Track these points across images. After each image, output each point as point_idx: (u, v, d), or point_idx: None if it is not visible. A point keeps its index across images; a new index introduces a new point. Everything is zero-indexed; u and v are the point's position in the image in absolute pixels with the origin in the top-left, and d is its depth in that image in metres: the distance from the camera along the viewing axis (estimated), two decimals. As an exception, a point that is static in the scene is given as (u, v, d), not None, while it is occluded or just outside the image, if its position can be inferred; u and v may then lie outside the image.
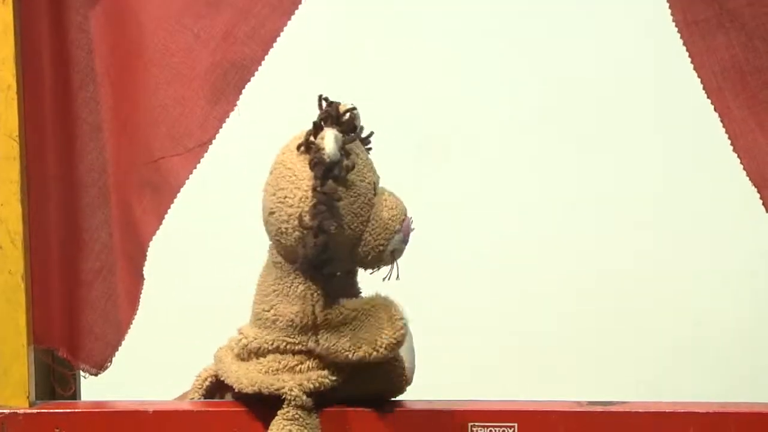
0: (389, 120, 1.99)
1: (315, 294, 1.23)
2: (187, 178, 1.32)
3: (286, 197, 1.21)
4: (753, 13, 1.25)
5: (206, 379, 1.32)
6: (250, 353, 1.26)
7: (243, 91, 1.32)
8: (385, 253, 1.23)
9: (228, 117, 1.32)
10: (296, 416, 1.22)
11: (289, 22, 1.31)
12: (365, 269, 1.26)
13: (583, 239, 2.07)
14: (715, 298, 2.07)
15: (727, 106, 1.28)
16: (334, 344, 1.22)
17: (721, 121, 1.28)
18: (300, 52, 1.87)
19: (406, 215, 1.25)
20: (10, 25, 1.30)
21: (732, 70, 1.27)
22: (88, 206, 1.38)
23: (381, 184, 1.26)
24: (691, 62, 1.28)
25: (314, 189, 1.19)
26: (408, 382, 1.28)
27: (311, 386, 1.22)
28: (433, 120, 2.07)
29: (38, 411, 1.30)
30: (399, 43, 2.05)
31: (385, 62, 2.05)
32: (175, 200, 1.33)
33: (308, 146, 1.21)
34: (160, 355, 1.98)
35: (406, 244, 1.25)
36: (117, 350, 1.39)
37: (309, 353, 1.24)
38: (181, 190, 1.32)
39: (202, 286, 2.00)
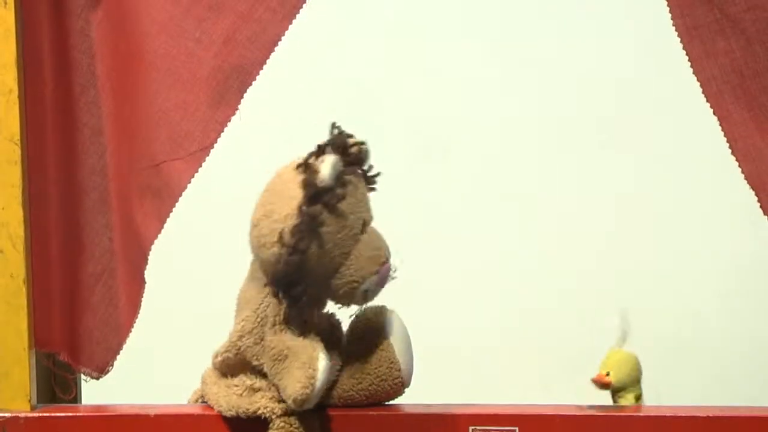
0: (390, 123, 2.00)
1: (277, 316, 1.22)
2: (189, 182, 1.32)
3: (273, 211, 1.20)
4: (753, 18, 1.26)
5: (196, 402, 1.33)
6: (228, 367, 1.26)
7: (244, 95, 1.32)
8: (358, 291, 1.22)
9: (229, 121, 1.32)
10: (283, 425, 1.22)
11: (290, 26, 1.31)
12: (335, 303, 1.25)
13: (584, 241, 2.07)
14: (713, 300, 2.07)
15: (727, 110, 1.28)
16: (272, 377, 1.22)
17: (721, 125, 1.28)
18: (301, 57, 1.86)
19: (388, 260, 1.23)
20: (12, 29, 1.30)
21: (732, 75, 1.27)
22: (89, 210, 1.38)
23: (379, 187, 1.25)
24: (691, 66, 1.28)
25: (300, 208, 1.18)
26: (405, 384, 1.28)
27: None
28: (434, 123, 2.07)
29: (39, 415, 1.31)
30: (400, 46, 2.05)
31: (386, 65, 2.05)
32: (177, 204, 1.33)
33: (306, 166, 1.20)
34: (161, 359, 1.98)
35: (381, 287, 1.23)
36: (118, 354, 1.40)
37: None
38: (183, 194, 1.33)
39: (204, 290, 2.00)
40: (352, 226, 1.21)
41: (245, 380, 1.25)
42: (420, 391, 1.29)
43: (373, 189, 1.25)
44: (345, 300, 1.24)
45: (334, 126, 1.23)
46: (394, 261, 1.24)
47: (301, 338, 1.22)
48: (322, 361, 1.20)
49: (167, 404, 1.32)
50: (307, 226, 1.18)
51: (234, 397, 1.24)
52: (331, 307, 1.28)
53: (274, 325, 1.22)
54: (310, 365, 1.19)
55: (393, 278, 1.24)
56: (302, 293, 1.20)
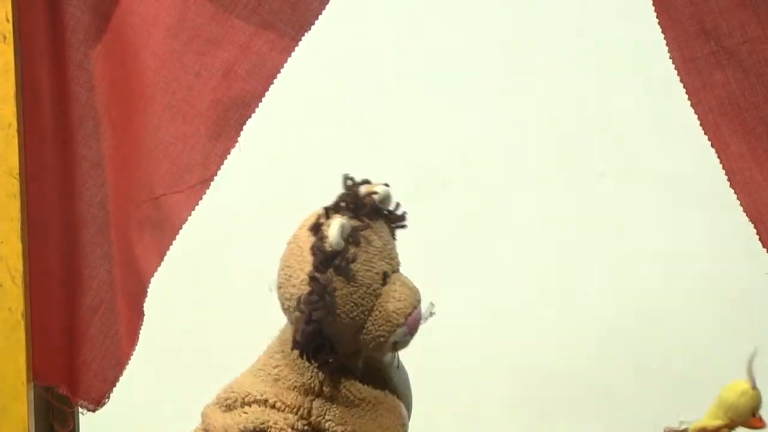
0: (389, 154, 2.00)
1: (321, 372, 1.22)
2: (189, 215, 1.32)
3: (290, 276, 1.19)
4: (749, 50, 1.26)
5: None
6: (239, 402, 1.24)
7: (244, 127, 1.32)
8: (387, 344, 1.20)
9: (229, 153, 1.32)
10: None
11: (289, 59, 1.32)
12: (368, 353, 1.24)
13: (585, 272, 2.07)
14: (709, 329, 2.07)
15: (725, 143, 1.28)
16: (330, 420, 1.21)
17: (719, 157, 1.29)
18: (301, 91, 1.87)
19: (415, 307, 1.20)
20: (11, 63, 1.30)
21: (729, 107, 1.27)
22: (88, 243, 1.38)
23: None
24: (689, 99, 1.29)
25: (310, 277, 1.16)
26: (404, 429, 1.26)
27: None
28: (433, 155, 2.07)
29: (37, 449, 1.31)
30: (399, 78, 2.06)
31: (385, 97, 2.06)
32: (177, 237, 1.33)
33: (316, 230, 1.18)
34: (160, 393, 1.98)
35: (412, 336, 1.21)
36: (114, 386, 1.39)
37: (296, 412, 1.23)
38: (183, 227, 1.33)
39: (205, 323, 2.00)
40: (369, 284, 1.18)
41: (258, 407, 1.24)
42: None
43: (402, 227, 1.23)
44: (375, 352, 1.22)
45: (346, 179, 1.21)
46: (425, 303, 1.21)
47: (364, 387, 1.22)
48: (404, 409, 1.22)
49: (166, 438, 1.32)
50: (319, 294, 1.15)
51: (242, 418, 1.23)
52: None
53: (323, 378, 1.22)
54: (396, 411, 1.22)
55: (427, 320, 1.21)
56: (328, 356, 1.19)
